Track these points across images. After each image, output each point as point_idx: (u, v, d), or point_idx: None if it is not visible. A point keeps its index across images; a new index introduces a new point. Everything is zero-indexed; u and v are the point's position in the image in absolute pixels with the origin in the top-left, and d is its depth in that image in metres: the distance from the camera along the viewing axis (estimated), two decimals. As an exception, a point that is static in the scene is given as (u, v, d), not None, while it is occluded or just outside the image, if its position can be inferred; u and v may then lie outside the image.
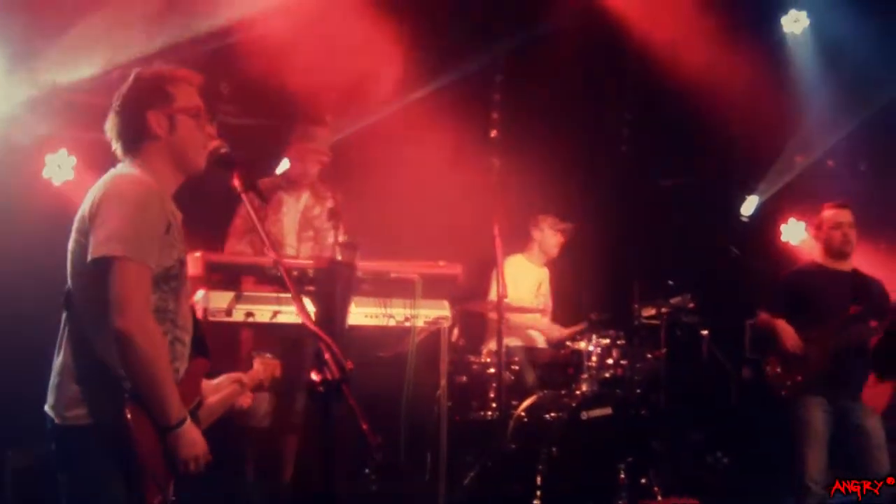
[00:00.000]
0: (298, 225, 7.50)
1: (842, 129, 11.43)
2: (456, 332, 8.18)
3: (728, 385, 9.96)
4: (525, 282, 9.16)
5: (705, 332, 9.62)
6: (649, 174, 10.03)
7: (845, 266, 7.44)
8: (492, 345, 8.52)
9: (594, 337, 8.60)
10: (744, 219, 11.64)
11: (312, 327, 3.41)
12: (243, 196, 3.96)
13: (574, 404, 7.99)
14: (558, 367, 8.76)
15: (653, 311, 9.10)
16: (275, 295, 6.27)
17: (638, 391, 8.82)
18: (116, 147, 4.07)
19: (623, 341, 8.80)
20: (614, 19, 10.22)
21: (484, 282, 8.77)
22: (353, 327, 6.35)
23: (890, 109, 10.62)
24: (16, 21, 7.24)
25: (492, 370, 8.22)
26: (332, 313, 6.11)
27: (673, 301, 9.09)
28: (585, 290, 9.78)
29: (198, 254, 6.15)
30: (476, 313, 8.74)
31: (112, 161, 4.08)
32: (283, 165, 8.39)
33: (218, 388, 4.50)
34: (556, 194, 9.53)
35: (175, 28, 7.49)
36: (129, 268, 3.69)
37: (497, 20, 9.62)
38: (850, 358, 7.15)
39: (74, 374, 3.81)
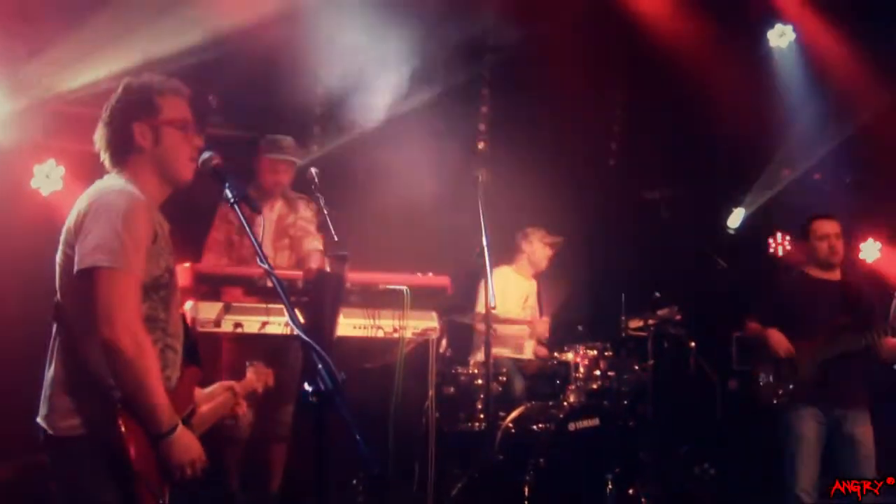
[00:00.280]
0: (273, 234, 7.53)
1: (828, 142, 11.49)
2: (444, 343, 8.18)
3: (715, 397, 9.99)
4: (512, 294, 9.18)
5: (692, 344, 9.65)
6: (636, 187, 10.05)
7: (833, 276, 7.47)
8: (479, 356, 8.54)
9: (582, 348, 8.62)
10: (730, 231, 11.68)
11: (305, 338, 3.42)
12: (236, 207, 3.97)
13: (561, 415, 8.01)
14: (546, 378, 8.79)
15: (640, 323, 9.14)
16: (263, 306, 6.29)
17: (625, 402, 8.84)
18: (104, 158, 4.08)
19: (610, 353, 8.84)
20: (602, 34, 10.26)
21: (472, 293, 8.78)
22: (341, 338, 6.36)
23: (874, 124, 10.67)
24: (6, 31, 7.25)
25: (479, 381, 8.22)
26: (320, 324, 6.12)
27: (660, 313, 9.12)
28: (573, 302, 9.78)
29: (186, 265, 6.17)
30: (463, 325, 8.75)
31: (101, 172, 4.09)
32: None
33: (211, 397, 4.50)
34: (544, 206, 9.54)
35: (166, 39, 7.49)
36: (115, 278, 3.70)
37: (485, 32, 9.64)
38: (840, 367, 7.17)
39: (66, 386, 3.82)
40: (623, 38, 10.46)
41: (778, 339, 7.32)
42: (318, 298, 6.21)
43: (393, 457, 6.96)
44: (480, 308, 8.40)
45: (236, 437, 7.21)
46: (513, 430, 8.15)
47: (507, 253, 9.26)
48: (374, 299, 6.55)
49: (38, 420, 3.88)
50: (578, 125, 10.39)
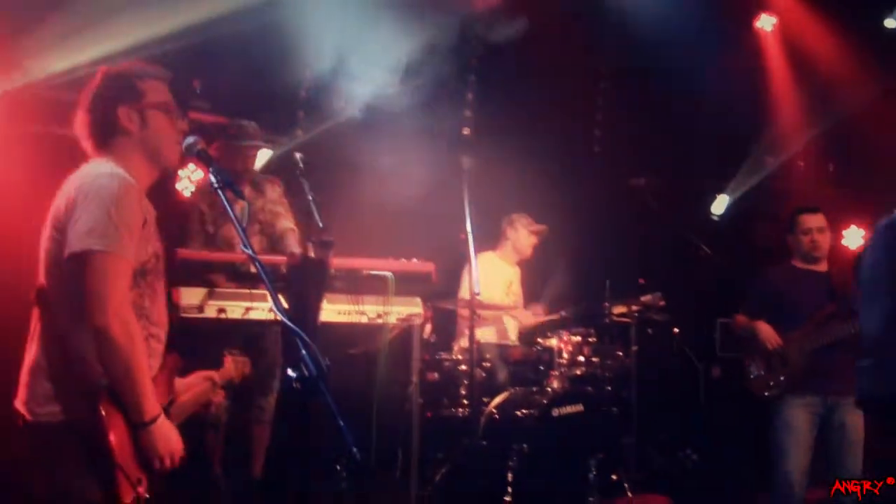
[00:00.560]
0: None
1: (811, 130, 11.52)
2: (428, 329, 8.18)
3: (698, 383, 10.02)
4: (496, 280, 9.18)
5: (676, 331, 9.67)
6: (621, 174, 10.04)
7: (819, 267, 7.50)
8: (463, 342, 8.54)
9: (565, 334, 8.63)
10: (714, 218, 11.70)
11: (290, 324, 3.41)
12: (220, 193, 3.96)
13: (545, 401, 8.02)
14: (530, 364, 8.77)
15: (624, 310, 9.14)
16: (247, 291, 6.28)
17: (609, 389, 8.83)
18: (87, 144, 4.06)
19: (594, 339, 8.83)
20: (587, 22, 10.25)
21: (456, 279, 8.78)
22: (325, 324, 6.35)
23: (858, 111, 10.70)
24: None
25: (463, 367, 8.22)
26: (304, 310, 6.11)
27: (644, 299, 9.12)
28: (556, 288, 9.78)
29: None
30: (447, 310, 8.75)
31: (79, 158, 4.07)
32: (262, 157, 8.42)
33: (189, 386, 4.50)
34: (529, 193, 9.55)
35: (149, 24, 7.46)
36: (109, 262, 3.69)
37: (471, 18, 9.62)
38: (830, 355, 7.19)
39: (48, 371, 3.80)
40: (608, 25, 10.45)
41: (767, 332, 7.36)
42: (301, 284, 6.20)
43: (376, 443, 6.97)
44: (464, 294, 8.39)
45: (216, 421, 7.22)
46: (496, 416, 8.15)
47: (491, 239, 9.26)
48: (359, 285, 6.54)
49: (17, 405, 3.86)
50: (563, 112, 10.39)
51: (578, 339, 8.67)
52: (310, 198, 6.70)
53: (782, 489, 7.14)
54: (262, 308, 6.24)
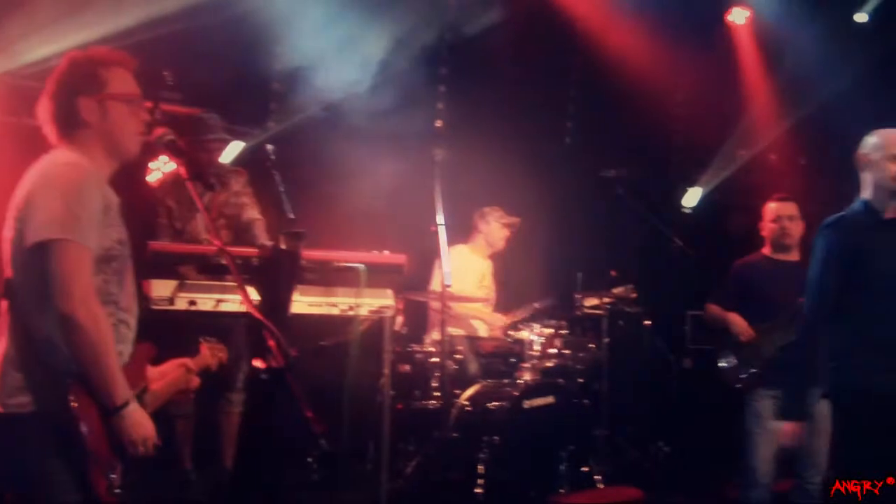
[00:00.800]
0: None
1: (783, 123, 11.57)
2: (399, 321, 8.19)
3: (670, 375, 10.05)
4: (468, 272, 9.18)
5: (647, 323, 9.69)
6: (593, 166, 10.06)
7: (792, 257, 7.52)
8: (435, 334, 8.54)
9: (537, 326, 8.65)
10: (686, 210, 11.74)
11: (257, 315, 3.41)
12: (189, 184, 3.95)
13: (516, 393, 8.03)
14: (501, 356, 8.79)
15: (595, 302, 9.17)
16: (219, 283, 6.26)
17: (580, 380, 8.87)
18: (50, 132, 4.04)
19: (566, 331, 8.86)
20: (559, 12, 10.27)
21: (428, 271, 8.78)
22: (296, 316, 6.33)
23: (831, 105, 10.75)
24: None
25: (435, 359, 8.24)
26: (275, 302, 6.09)
27: (615, 291, 9.17)
28: (528, 280, 9.80)
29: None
30: (420, 303, 8.75)
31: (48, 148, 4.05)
32: (234, 149, 8.40)
33: (164, 374, 4.49)
34: (501, 185, 9.55)
35: (121, 14, 7.43)
36: (69, 250, 3.67)
37: (442, 11, 9.62)
38: (799, 347, 7.23)
39: (17, 362, 3.78)
40: (580, 17, 10.48)
41: (739, 323, 7.36)
42: (273, 276, 6.18)
43: (348, 435, 6.97)
44: (436, 287, 8.39)
45: (184, 412, 7.22)
46: (468, 408, 8.17)
47: (463, 232, 9.26)
48: (330, 277, 6.52)
49: None
50: (535, 104, 10.40)
51: (550, 331, 8.69)
52: (281, 189, 6.68)
53: (751, 480, 7.17)
54: (233, 300, 6.22)
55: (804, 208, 7.65)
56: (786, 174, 12.00)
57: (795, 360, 5.59)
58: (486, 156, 9.39)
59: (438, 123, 9.93)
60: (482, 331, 9.24)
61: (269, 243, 6.82)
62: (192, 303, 6.20)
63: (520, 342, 8.61)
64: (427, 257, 8.46)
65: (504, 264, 9.58)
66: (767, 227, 7.57)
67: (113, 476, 3.76)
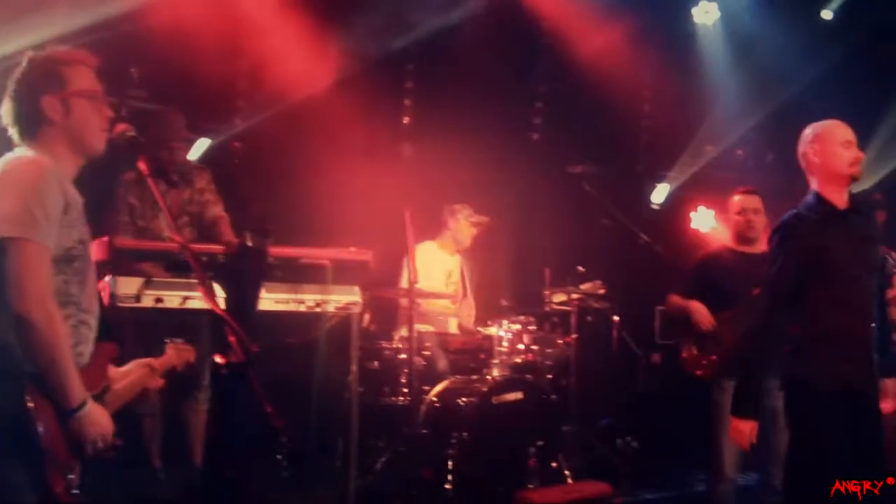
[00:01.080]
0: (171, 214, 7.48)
1: (750, 119, 11.64)
2: (367, 317, 8.19)
3: (638, 370, 10.08)
4: (436, 269, 9.18)
5: (616, 318, 9.71)
6: (560, 162, 10.08)
7: (754, 249, 7.54)
8: (404, 331, 8.53)
9: (505, 322, 8.66)
10: (655, 206, 11.78)
11: (218, 311, 3.41)
12: (150, 181, 3.94)
13: (485, 389, 8.04)
14: (470, 352, 8.80)
15: (564, 297, 9.18)
16: (185, 280, 6.23)
17: (549, 376, 8.89)
18: (13, 132, 4.03)
19: (534, 327, 8.87)
20: (527, 8, 10.28)
21: (396, 268, 8.78)
22: (263, 313, 6.32)
23: (797, 101, 10.82)
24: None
25: (403, 356, 8.24)
26: (242, 299, 6.08)
27: (584, 287, 9.18)
28: (496, 277, 9.80)
29: (104, 238, 6.09)
30: (389, 300, 8.75)
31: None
32: (201, 146, 8.38)
33: (127, 374, 4.48)
34: (468, 181, 9.57)
35: (86, 11, 7.40)
36: (26, 249, 3.65)
37: (410, 7, 9.61)
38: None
39: None
40: (548, 14, 10.49)
41: (700, 312, 7.38)
42: (239, 273, 6.17)
43: (316, 431, 6.96)
44: (404, 283, 8.40)
45: (151, 411, 7.19)
46: (437, 405, 8.17)
47: (431, 228, 9.26)
48: (297, 273, 6.52)
49: None
50: (503, 100, 10.41)
51: (518, 327, 8.70)
52: (247, 187, 6.68)
53: (717, 473, 7.20)
54: (199, 297, 6.19)
55: (770, 204, 7.69)
56: (753, 170, 12.08)
57: (745, 356, 5.61)
58: (454, 152, 9.40)
59: (406, 120, 9.94)
60: (454, 328, 9.26)
61: (235, 240, 6.80)
62: (159, 300, 6.17)
63: (488, 338, 8.62)
64: (396, 254, 8.46)
65: (471, 260, 9.58)
66: (732, 220, 7.61)
67: (71, 476, 3.75)
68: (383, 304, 8.72)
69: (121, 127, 4.13)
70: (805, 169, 5.58)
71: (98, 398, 3.87)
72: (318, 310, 6.55)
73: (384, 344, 8.56)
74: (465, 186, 9.49)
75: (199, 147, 8.54)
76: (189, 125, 7.72)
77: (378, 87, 9.32)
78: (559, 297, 9.18)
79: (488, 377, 8.34)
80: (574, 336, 9.13)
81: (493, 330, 8.63)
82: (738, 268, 7.45)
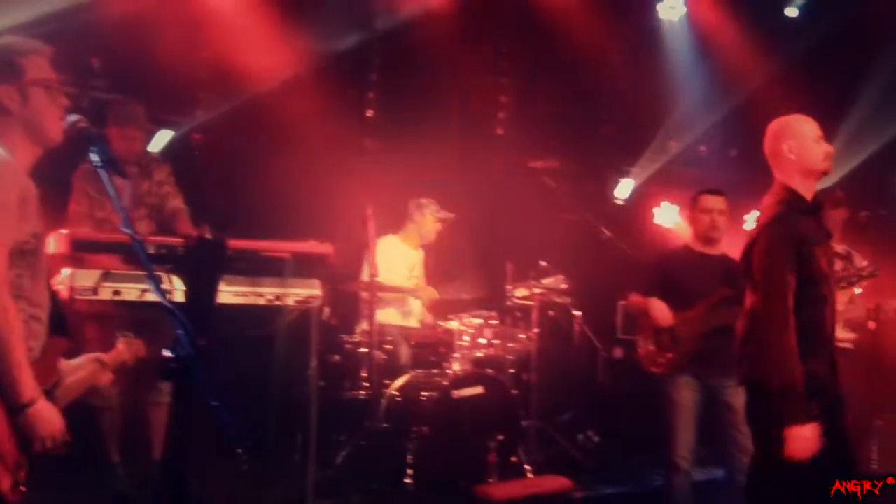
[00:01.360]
0: (130, 205, 7.42)
1: (714, 115, 11.68)
2: (327, 311, 8.17)
3: (599, 365, 10.09)
4: (398, 262, 9.16)
5: (578, 313, 9.72)
6: (524, 156, 10.08)
7: (715, 251, 7.56)
8: (365, 324, 8.53)
9: (467, 317, 8.66)
10: (619, 202, 11.80)
11: (166, 303, 3.39)
12: (101, 172, 3.90)
13: (446, 383, 8.05)
14: (431, 346, 8.81)
15: (525, 292, 9.19)
16: (144, 273, 6.17)
17: (510, 371, 8.89)
18: None
19: (496, 321, 8.88)
20: (491, 3, 10.28)
21: (359, 261, 8.76)
22: (222, 306, 6.29)
23: (760, 97, 10.86)
24: None
25: (365, 349, 8.23)
26: (200, 292, 6.04)
27: (546, 282, 9.18)
28: (459, 270, 9.79)
29: (64, 231, 6.05)
30: (351, 293, 8.74)
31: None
32: (163, 138, 8.33)
33: (78, 369, 4.44)
34: (431, 174, 9.56)
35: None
36: None
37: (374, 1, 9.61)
38: (719, 338, 7.27)
39: None
40: (512, 7, 10.49)
41: (659, 309, 7.39)
42: (198, 265, 6.13)
43: (276, 425, 6.94)
44: (366, 277, 8.38)
45: (108, 405, 7.14)
46: (398, 399, 8.17)
47: (393, 221, 9.24)
48: (256, 267, 6.48)
49: None
50: (467, 94, 10.40)
51: (480, 321, 8.71)
52: (207, 179, 6.65)
53: (672, 467, 7.23)
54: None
55: (733, 200, 7.72)
56: (716, 165, 12.13)
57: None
58: (418, 145, 9.39)
59: (369, 113, 9.91)
60: (416, 310, 9.24)
61: (194, 233, 6.77)
62: (117, 293, 6.12)
63: (449, 332, 8.62)
64: (358, 247, 8.45)
65: (433, 253, 9.57)
66: (696, 219, 7.60)
67: (19, 473, 3.71)
68: (345, 298, 8.70)
69: (72, 117, 4.09)
70: (775, 165, 5.53)
71: (48, 394, 3.84)
72: (277, 303, 6.51)
73: (345, 338, 8.56)
74: (429, 180, 9.48)
75: (161, 139, 8.49)
76: (150, 117, 7.68)
77: (342, 80, 9.30)
78: (521, 292, 9.19)
79: (449, 371, 8.35)
80: (535, 330, 9.13)
81: (454, 324, 8.63)
82: (697, 268, 7.46)
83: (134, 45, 8.22)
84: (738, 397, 7.20)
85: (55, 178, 5.45)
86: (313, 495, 6.78)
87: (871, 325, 7.93)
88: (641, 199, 11.88)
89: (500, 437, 8.05)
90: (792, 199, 5.41)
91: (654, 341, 7.43)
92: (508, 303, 9.19)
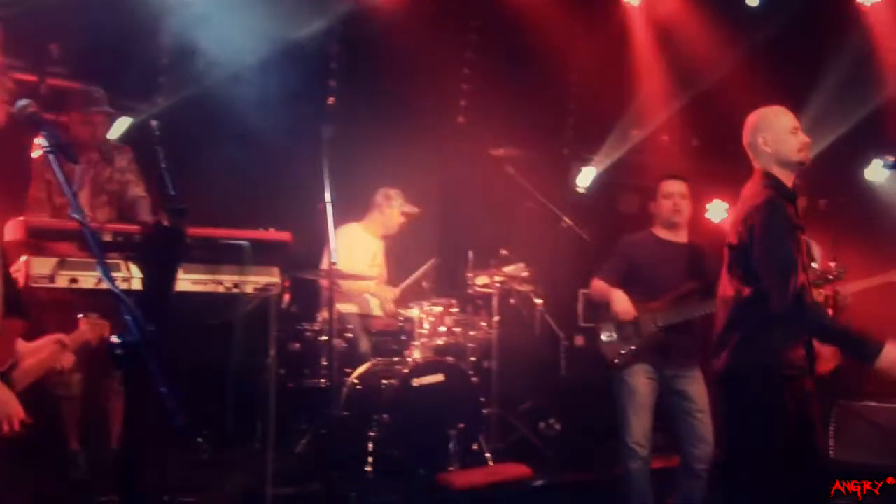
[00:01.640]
0: (90, 191, 7.39)
1: (675, 104, 11.70)
2: (286, 298, 8.15)
3: (560, 353, 10.10)
4: (360, 251, 9.14)
5: (539, 301, 9.73)
6: (485, 144, 10.07)
7: (680, 238, 7.57)
8: (326, 313, 8.52)
9: (427, 305, 8.66)
10: (580, 190, 11.81)
11: (115, 289, 3.37)
12: (50, 157, 3.88)
13: (406, 371, 8.05)
14: (391, 334, 8.80)
15: (487, 280, 9.19)
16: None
17: (471, 359, 8.91)
18: None
19: (456, 309, 8.89)
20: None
21: (319, 250, 8.74)
22: (181, 294, 6.26)
23: (721, 86, 10.89)
24: None
25: (325, 338, 8.21)
26: (159, 279, 6.01)
27: (507, 270, 9.19)
28: (419, 258, 9.78)
29: (21, 218, 6.01)
30: (312, 281, 8.71)
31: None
32: (122, 125, 8.28)
33: (36, 351, 4.42)
34: (392, 162, 9.55)
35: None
36: None
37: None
38: (680, 330, 7.32)
39: None
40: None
41: (621, 301, 7.39)
42: (156, 253, 6.10)
43: (235, 413, 6.92)
44: (327, 265, 8.36)
45: (71, 394, 7.10)
46: (358, 387, 8.18)
47: (354, 210, 9.22)
48: (215, 254, 6.45)
49: None
50: (428, 82, 10.37)
51: (440, 309, 8.72)
52: (163, 166, 6.58)
53: (629, 454, 7.25)
54: (117, 278, 6.12)
55: (695, 188, 7.74)
56: (677, 154, 12.15)
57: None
58: (379, 133, 9.37)
59: (330, 100, 9.87)
60: (375, 306, 9.23)
61: (150, 219, 6.74)
62: (74, 280, 6.08)
63: (410, 320, 8.62)
64: (320, 235, 8.43)
65: (395, 243, 9.56)
66: (659, 205, 7.61)
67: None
68: (306, 286, 8.67)
69: (21, 101, 4.05)
70: (753, 156, 5.60)
71: (3, 376, 3.82)
72: (236, 291, 6.50)
73: (306, 326, 8.55)
74: (389, 168, 9.47)
75: (120, 126, 8.44)
76: (110, 102, 7.62)
77: (302, 68, 9.25)
78: (482, 280, 9.20)
79: (409, 360, 8.35)
80: (496, 319, 9.13)
81: (414, 312, 8.63)
82: (662, 257, 7.49)
83: (93, 31, 8.14)
84: (693, 385, 7.28)
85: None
86: (272, 483, 6.77)
87: (829, 312, 7.98)
88: (603, 188, 11.90)
89: (461, 425, 8.08)
90: (777, 186, 5.47)
91: (617, 332, 7.44)
92: (469, 291, 9.21)
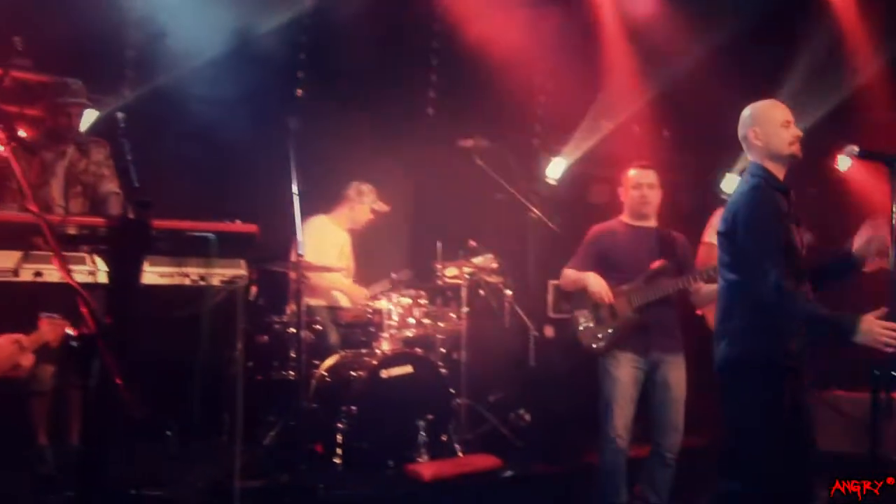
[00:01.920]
0: (65, 182, 7.36)
1: (646, 94, 11.71)
2: (254, 291, 8.12)
3: (530, 344, 10.10)
4: (329, 244, 9.15)
5: (508, 292, 9.73)
6: (454, 135, 10.04)
7: (649, 223, 7.60)
8: (295, 305, 8.51)
9: (395, 296, 8.66)
10: (550, 181, 11.80)
11: (71, 281, 3.35)
12: (6, 148, 3.85)
13: (375, 363, 8.06)
14: (360, 326, 8.81)
15: (456, 271, 9.18)
16: (67, 254, 6.10)
17: (440, 350, 8.91)
18: None
19: (425, 301, 8.89)
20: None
21: (287, 242, 8.71)
22: (146, 286, 6.23)
23: (692, 77, 10.90)
24: None
25: (293, 330, 8.20)
26: (124, 272, 5.98)
27: (476, 261, 9.19)
28: (388, 250, 9.77)
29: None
30: (281, 274, 8.70)
31: None
32: (88, 117, 8.22)
33: (-4, 351, 4.39)
34: (361, 154, 9.53)
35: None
36: None
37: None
38: (657, 312, 7.33)
39: None
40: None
41: (596, 283, 7.41)
42: (121, 246, 6.07)
43: (203, 406, 6.89)
44: (294, 257, 8.35)
45: (43, 389, 7.06)
46: (327, 379, 8.19)
47: (323, 202, 9.21)
48: (181, 247, 6.42)
49: None
50: (397, 73, 10.36)
51: (409, 301, 8.72)
52: (129, 158, 6.54)
53: (609, 445, 7.26)
54: (82, 271, 6.08)
55: (665, 179, 7.76)
56: (648, 145, 12.15)
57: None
58: (347, 125, 9.34)
59: (299, 92, 9.85)
60: (343, 302, 9.22)
61: (113, 210, 6.73)
62: (38, 274, 6.04)
63: (378, 312, 8.62)
64: (286, 227, 8.40)
65: (364, 234, 9.55)
66: (627, 194, 7.64)
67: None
68: (274, 279, 8.66)
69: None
70: (746, 149, 5.70)
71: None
72: (202, 283, 6.47)
73: (274, 318, 8.53)
74: (358, 159, 9.46)
75: (87, 118, 8.39)
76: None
77: (270, 59, 9.22)
78: (451, 271, 9.19)
79: (378, 351, 8.36)
80: (466, 310, 9.13)
81: (383, 303, 8.63)
82: (631, 241, 7.53)
83: (58, 23, 8.09)
84: (674, 371, 7.30)
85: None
86: (239, 476, 6.75)
87: None
88: (574, 179, 11.89)
89: (430, 417, 8.10)
90: (768, 177, 5.51)
91: (594, 317, 7.45)
92: (438, 282, 9.20)
